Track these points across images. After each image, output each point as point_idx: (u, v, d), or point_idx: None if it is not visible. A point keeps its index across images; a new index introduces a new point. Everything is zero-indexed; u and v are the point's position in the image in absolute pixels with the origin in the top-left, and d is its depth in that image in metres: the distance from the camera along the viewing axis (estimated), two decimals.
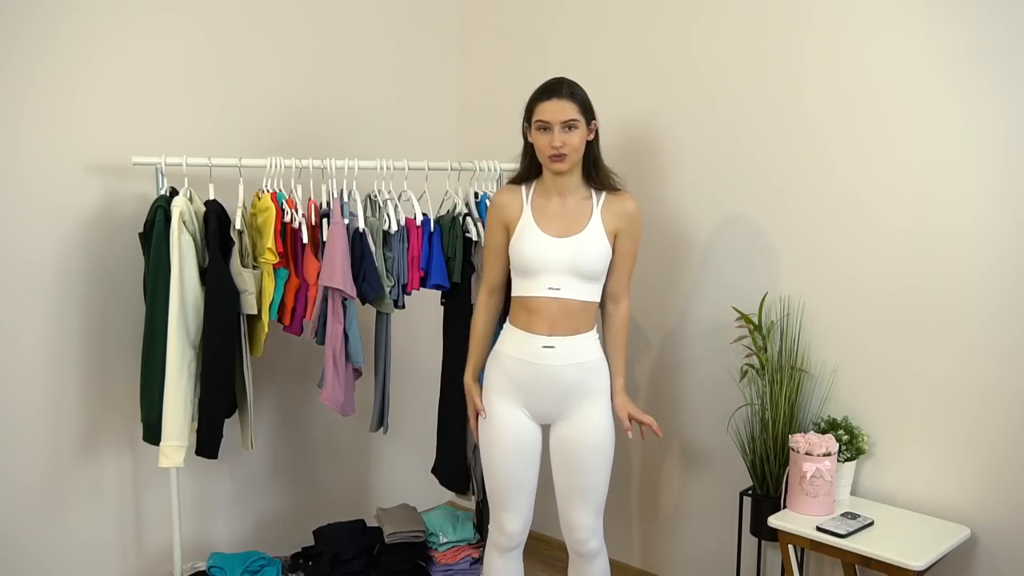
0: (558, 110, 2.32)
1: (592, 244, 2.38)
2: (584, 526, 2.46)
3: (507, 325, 2.49)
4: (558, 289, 2.37)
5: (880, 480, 2.60)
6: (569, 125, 2.32)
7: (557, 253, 2.37)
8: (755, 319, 2.71)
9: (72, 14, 2.65)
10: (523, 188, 2.48)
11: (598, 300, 2.46)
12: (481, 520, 3.13)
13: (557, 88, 2.35)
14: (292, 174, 2.71)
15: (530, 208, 2.44)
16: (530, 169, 2.48)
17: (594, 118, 2.40)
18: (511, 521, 2.49)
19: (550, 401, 2.43)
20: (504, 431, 2.45)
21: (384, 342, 2.91)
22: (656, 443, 3.15)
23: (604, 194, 2.44)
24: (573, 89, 2.36)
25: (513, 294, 2.47)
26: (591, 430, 2.42)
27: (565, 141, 2.32)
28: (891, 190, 2.52)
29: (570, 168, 2.38)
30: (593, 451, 2.42)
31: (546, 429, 2.51)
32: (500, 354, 2.47)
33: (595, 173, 2.44)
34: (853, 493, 2.61)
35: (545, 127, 2.33)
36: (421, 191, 2.87)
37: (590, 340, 2.43)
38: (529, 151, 2.46)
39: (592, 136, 2.40)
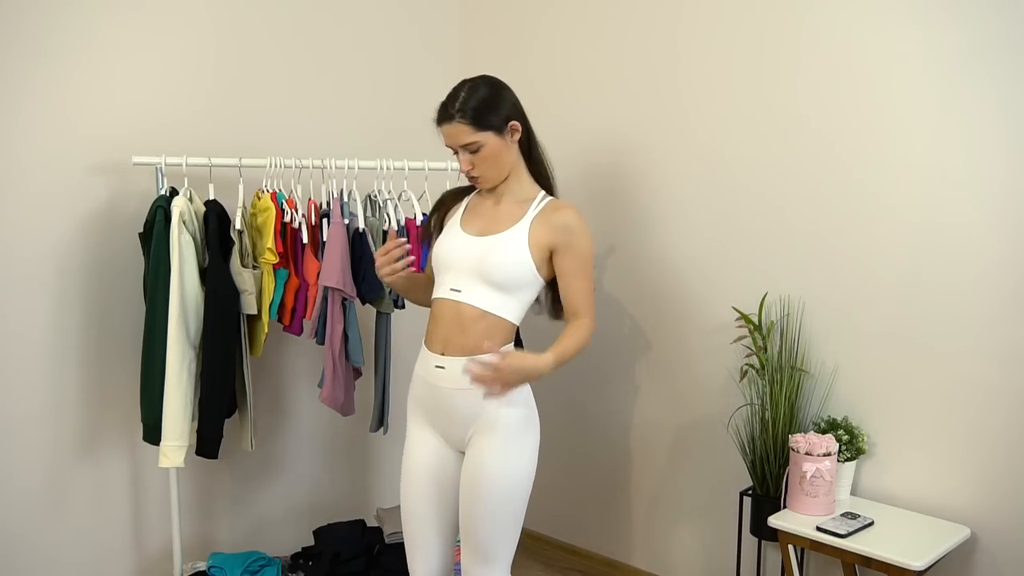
0: (451, 136, 2.10)
1: (505, 248, 2.08)
2: (464, 571, 2.15)
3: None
4: (459, 291, 2.10)
5: (880, 480, 2.60)
6: (469, 148, 2.09)
7: (465, 250, 2.11)
8: (755, 319, 2.71)
9: (72, 13, 2.65)
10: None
11: (508, 317, 2.11)
12: None
13: (443, 112, 2.09)
14: (292, 174, 2.72)
15: (464, 206, 2.24)
16: None
17: (510, 120, 2.10)
18: (414, 561, 2.21)
19: (452, 427, 2.14)
20: (410, 458, 2.21)
21: (384, 342, 2.91)
22: (656, 443, 3.15)
23: (547, 199, 2.17)
24: (464, 105, 2.06)
25: None
26: (482, 471, 2.07)
27: (473, 163, 2.10)
28: (892, 190, 2.52)
29: (496, 183, 2.15)
30: (481, 498, 2.07)
31: None
32: (414, 371, 2.23)
33: (533, 172, 2.20)
34: (853, 493, 2.61)
35: (453, 149, 2.13)
36: (421, 191, 2.88)
37: None
38: None
39: (517, 137, 2.13)
